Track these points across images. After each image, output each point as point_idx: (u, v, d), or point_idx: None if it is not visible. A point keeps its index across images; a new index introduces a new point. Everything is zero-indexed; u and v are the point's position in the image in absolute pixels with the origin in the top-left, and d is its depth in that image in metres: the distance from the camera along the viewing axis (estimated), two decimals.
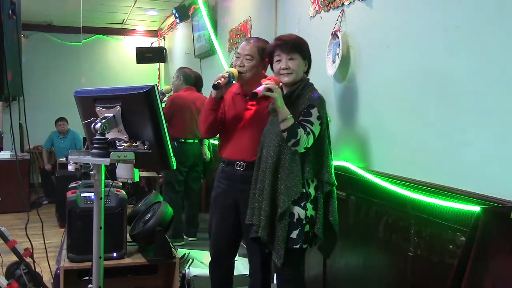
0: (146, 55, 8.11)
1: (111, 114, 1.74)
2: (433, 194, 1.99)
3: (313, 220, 2.19)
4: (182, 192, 4.59)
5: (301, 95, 2.23)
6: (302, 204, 2.17)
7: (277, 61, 2.26)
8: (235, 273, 2.75)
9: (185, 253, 3.54)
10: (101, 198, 1.81)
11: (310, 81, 2.32)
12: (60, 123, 6.86)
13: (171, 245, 2.78)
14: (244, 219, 2.38)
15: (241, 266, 3.25)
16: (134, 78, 8.10)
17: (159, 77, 8.65)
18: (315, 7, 3.03)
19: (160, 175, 5.35)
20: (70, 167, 5.40)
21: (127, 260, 2.67)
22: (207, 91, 2.51)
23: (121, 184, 2.88)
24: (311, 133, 2.13)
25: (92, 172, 1.80)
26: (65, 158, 6.31)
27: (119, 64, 8.42)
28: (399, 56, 2.28)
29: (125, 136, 1.76)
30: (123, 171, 1.92)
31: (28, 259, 2.67)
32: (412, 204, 2.11)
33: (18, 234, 3.02)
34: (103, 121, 1.72)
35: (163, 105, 4.37)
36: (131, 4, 6.72)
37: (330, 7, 2.85)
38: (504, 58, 1.70)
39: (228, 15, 4.99)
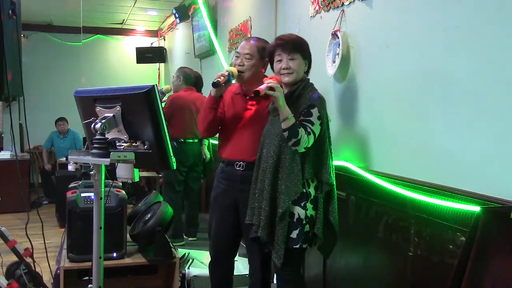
0: (146, 55, 8.11)
1: (111, 114, 1.74)
2: (433, 194, 1.99)
3: (313, 220, 2.19)
4: (182, 192, 4.60)
5: (302, 95, 2.23)
6: (302, 204, 2.17)
7: (278, 61, 2.26)
8: (235, 273, 2.75)
9: (185, 253, 3.54)
10: (101, 198, 1.81)
11: (310, 81, 2.32)
12: (60, 123, 6.86)
13: (171, 245, 2.78)
14: (243, 219, 2.38)
15: (241, 266, 3.25)
16: (134, 78, 8.10)
17: (159, 77, 8.65)
18: (315, 7, 3.03)
19: (160, 175, 5.35)
20: (70, 167, 5.40)
21: (127, 260, 2.67)
22: (207, 91, 2.51)
23: (121, 184, 2.88)
24: (311, 133, 2.13)
25: (92, 172, 1.80)
26: (65, 158, 6.31)
27: (119, 64, 8.42)
28: (399, 56, 2.28)
29: (125, 136, 1.76)
30: (123, 171, 1.92)
31: (28, 259, 2.67)
32: (412, 204, 2.11)
33: (18, 234, 3.02)
34: (103, 121, 1.71)
35: (163, 104, 4.36)
36: (131, 4, 6.72)
37: (330, 7, 2.85)
38: (504, 58, 1.70)
39: (228, 15, 4.99)
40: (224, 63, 4.77)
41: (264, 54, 2.45)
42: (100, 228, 1.82)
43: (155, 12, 7.33)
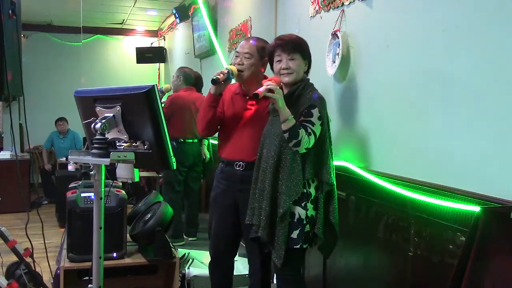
0: (146, 55, 8.11)
1: (111, 114, 1.74)
2: (433, 194, 1.99)
3: (314, 220, 2.19)
4: (181, 192, 4.60)
5: (302, 95, 2.23)
6: (303, 204, 2.17)
7: (277, 61, 2.26)
8: (235, 273, 2.75)
9: (185, 253, 3.54)
10: (101, 198, 1.81)
11: (310, 81, 2.32)
12: (60, 123, 6.86)
13: (171, 245, 2.78)
14: (243, 219, 2.38)
15: (241, 266, 3.25)
16: (134, 78, 8.10)
17: (159, 77, 8.65)
18: (315, 7, 3.03)
19: (160, 175, 5.36)
20: (70, 167, 5.40)
21: (127, 260, 2.67)
22: (207, 91, 2.51)
23: (121, 184, 2.88)
24: (312, 133, 2.13)
25: (92, 172, 1.80)
26: (65, 158, 6.31)
27: (119, 64, 8.42)
28: (399, 56, 2.28)
29: (125, 136, 1.76)
30: (123, 171, 1.92)
31: (28, 259, 2.67)
32: (412, 204, 2.11)
33: (18, 234, 3.02)
34: (103, 121, 1.71)
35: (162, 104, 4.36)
36: (131, 4, 6.72)
37: (330, 7, 2.85)
38: (504, 58, 1.70)
39: (228, 15, 4.99)
40: (224, 63, 4.77)
41: (264, 53, 2.45)
42: (100, 228, 1.82)
43: (155, 12, 7.33)
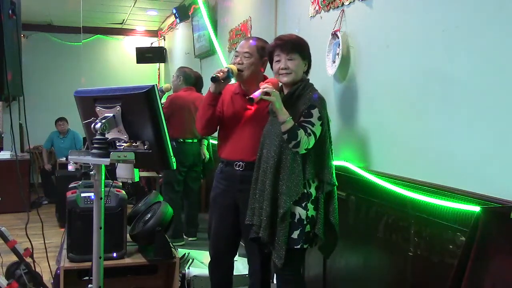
0: (146, 55, 8.11)
1: (111, 114, 1.74)
2: (433, 194, 1.99)
3: (314, 220, 2.19)
4: (181, 192, 4.60)
5: (302, 96, 2.23)
6: (303, 205, 2.17)
7: (276, 61, 2.26)
8: (234, 273, 2.75)
9: (185, 253, 3.54)
10: (101, 198, 1.81)
11: (310, 81, 2.32)
12: (60, 123, 6.86)
13: (171, 245, 2.78)
14: (243, 219, 2.38)
15: (241, 266, 3.25)
16: (134, 78, 8.10)
17: (159, 77, 8.65)
18: (315, 7, 3.03)
19: (160, 175, 5.36)
20: (70, 167, 5.40)
21: (127, 260, 2.67)
22: (207, 91, 2.51)
23: (121, 184, 2.88)
24: (312, 134, 2.13)
25: (92, 172, 1.80)
26: (65, 158, 6.31)
27: (119, 64, 8.42)
28: (399, 56, 2.28)
29: (125, 136, 1.76)
30: (123, 171, 1.92)
31: (28, 259, 2.67)
32: (412, 204, 2.11)
33: (18, 234, 3.02)
34: (103, 121, 1.71)
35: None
36: (131, 4, 6.72)
37: (330, 7, 2.85)
38: (504, 58, 1.70)
39: (228, 15, 4.99)
40: (224, 63, 4.77)
41: (263, 53, 2.45)
42: (100, 228, 1.82)
43: (155, 12, 7.32)
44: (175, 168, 1.84)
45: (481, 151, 1.80)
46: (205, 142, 4.76)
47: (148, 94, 1.68)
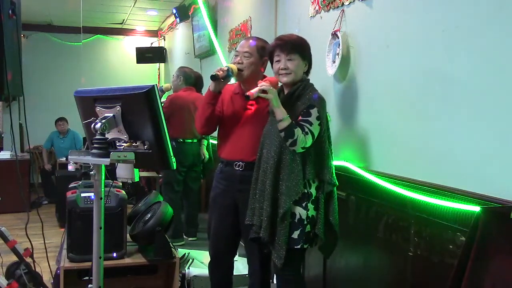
0: (146, 55, 8.11)
1: (111, 114, 1.74)
2: (433, 194, 1.99)
3: (314, 220, 2.19)
4: (181, 192, 4.60)
5: (302, 96, 2.23)
6: (304, 205, 2.17)
7: (276, 61, 2.26)
8: (234, 273, 2.75)
9: (185, 253, 3.54)
10: (101, 198, 1.81)
11: (310, 81, 2.32)
12: (60, 123, 6.86)
13: (171, 245, 2.78)
14: (243, 219, 2.38)
15: (241, 266, 3.25)
16: (134, 78, 8.10)
17: (159, 77, 8.65)
18: (315, 7, 3.03)
19: (160, 175, 5.36)
20: (70, 167, 5.40)
21: (127, 260, 2.67)
22: (206, 90, 2.51)
23: (121, 184, 2.88)
24: (309, 133, 2.13)
25: (92, 172, 1.80)
26: (65, 158, 6.31)
27: (119, 64, 8.42)
28: (399, 56, 2.28)
29: (125, 136, 1.76)
30: (123, 171, 1.92)
31: (28, 259, 2.67)
32: (412, 204, 2.11)
33: (18, 234, 3.02)
34: (103, 121, 1.72)
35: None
36: (131, 4, 6.72)
37: (330, 7, 2.85)
38: (504, 58, 1.70)
39: (228, 15, 4.99)
40: (224, 63, 4.77)
41: (263, 53, 2.45)
42: (100, 228, 1.82)
43: (155, 12, 7.32)
44: (175, 168, 1.84)
45: (481, 151, 1.80)
46: (205, 142, 4.76)
47: (148, 94, 1.68)
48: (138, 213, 2.97)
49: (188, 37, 6.38)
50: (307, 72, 2.32)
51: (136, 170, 1.91)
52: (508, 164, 1.68)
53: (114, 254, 2.62)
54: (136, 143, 1.77)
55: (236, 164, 2.49)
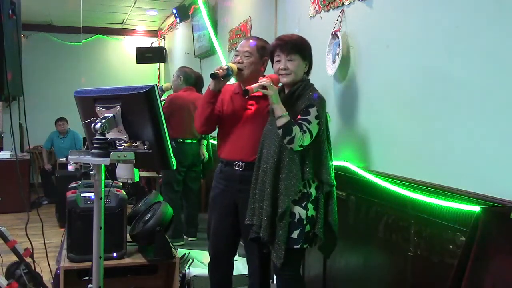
0: (146, 55, 8.11)
1: (111, 114, 1.74)
2: (433, 194, 1.99)
3: (314, 220, 2.19)
4: (180, 192, 4.60)
5: (302, 96, 2.23)
6: (303, 204, 2.17)
7: (276, 61, 2.26)
8: (234, 273, 2.75)
9: (185, 253, 3.54)
10: (101, 198, 1.81)
11: (311, 81, 2.32)
12: (60, 123, 6.86)
13: (171, 245, 2.78)
14: (243, 219, 2.38)
15: (241, 266, 3.25)
16: (134, 78, 8.10)
17: (159, 77, 8.65)
18: (315, 7, 3.03)
19: (160, 175, 5.36)
20: (70, 167, 5.40)
21: (127, 260, 2.67)
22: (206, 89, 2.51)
23: (121, 184, 2.88)
24: (307, 131, 2.13)
25: (92, 172, 1.80)
26: (65, 158, 6.31)
27: (119, 64, 8.42)
28: (399, 56, 2.28)
29: (125, 136, 1.77)
30: (123, 171, 1.93)
31: (28, 259, 2.67)
32: (412, 204, 2.11)
33: (18, 234, 3.02)
34: (103, 121, 1.72)
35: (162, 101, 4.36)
36: (131, 4, 6.72)
37: (330, 7, 2.85)
38: (504, 58, 1.70)
39: (228, 15, 4.99)
40: (224, 63, 4.77)
41: (263, 53, 2.45)
42: (100, 228, 1.82)
43: (155, 12, 7.32)
44: (175, 168, 1.84)
45: (481, 151, 1.80)
46: (205, 142, 4.76)
47: (148, 94, 1.68)
48: (138, 213, 2.97)
49: (188, 37, 6.38)
50: (307, 72, 2.32)
51: (136, 170, 1.91)
52: (508, 164, 1.68)
53: (114, 254, 2.62)
54: (136, 143, 1.77)
55: (236, 164, 2.49)
